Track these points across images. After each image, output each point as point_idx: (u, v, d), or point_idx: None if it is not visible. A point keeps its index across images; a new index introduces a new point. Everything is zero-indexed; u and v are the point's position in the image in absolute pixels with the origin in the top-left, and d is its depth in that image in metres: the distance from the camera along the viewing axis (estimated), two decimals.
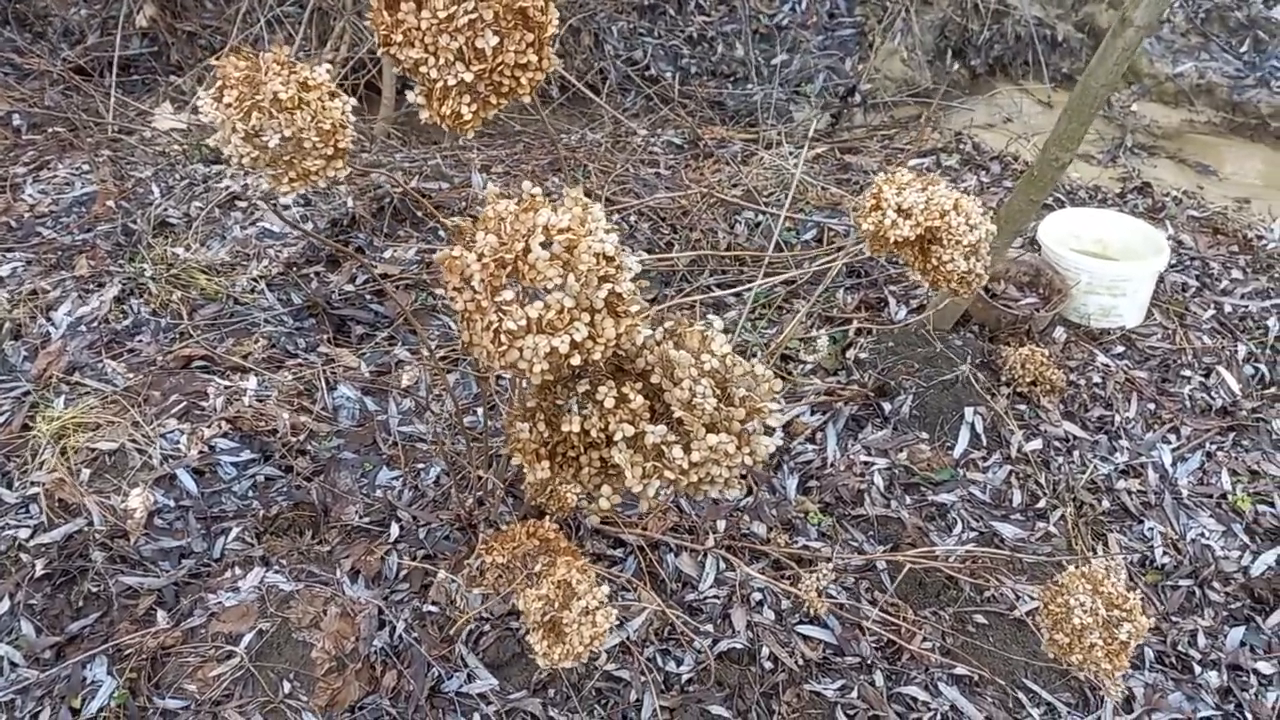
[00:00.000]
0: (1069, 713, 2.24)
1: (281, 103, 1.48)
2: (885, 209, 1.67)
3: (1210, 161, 4.76)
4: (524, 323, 1.18)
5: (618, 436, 1.26)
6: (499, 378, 2.63)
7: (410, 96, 1.40)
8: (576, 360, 1.20)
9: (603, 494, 1.32)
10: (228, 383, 2.80)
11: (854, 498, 2.56)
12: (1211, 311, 3.27)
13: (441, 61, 1.32)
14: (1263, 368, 3.06)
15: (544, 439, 1.31)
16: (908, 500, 2.57)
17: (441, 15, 1.29)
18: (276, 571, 2.36)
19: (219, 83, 1.50)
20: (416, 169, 3.68)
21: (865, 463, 2.63)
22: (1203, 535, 2.61)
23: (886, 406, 2.76)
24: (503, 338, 1.18)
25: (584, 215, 1.24)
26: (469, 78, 1.32)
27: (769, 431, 1.31)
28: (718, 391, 1.30)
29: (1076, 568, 2.15)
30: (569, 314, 1.20)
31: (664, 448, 1.26)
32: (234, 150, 1.51)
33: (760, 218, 3.51)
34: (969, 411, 2.73)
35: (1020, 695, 2.26)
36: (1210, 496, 2.69)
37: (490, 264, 1.19)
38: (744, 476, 1.33)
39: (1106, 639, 1.84)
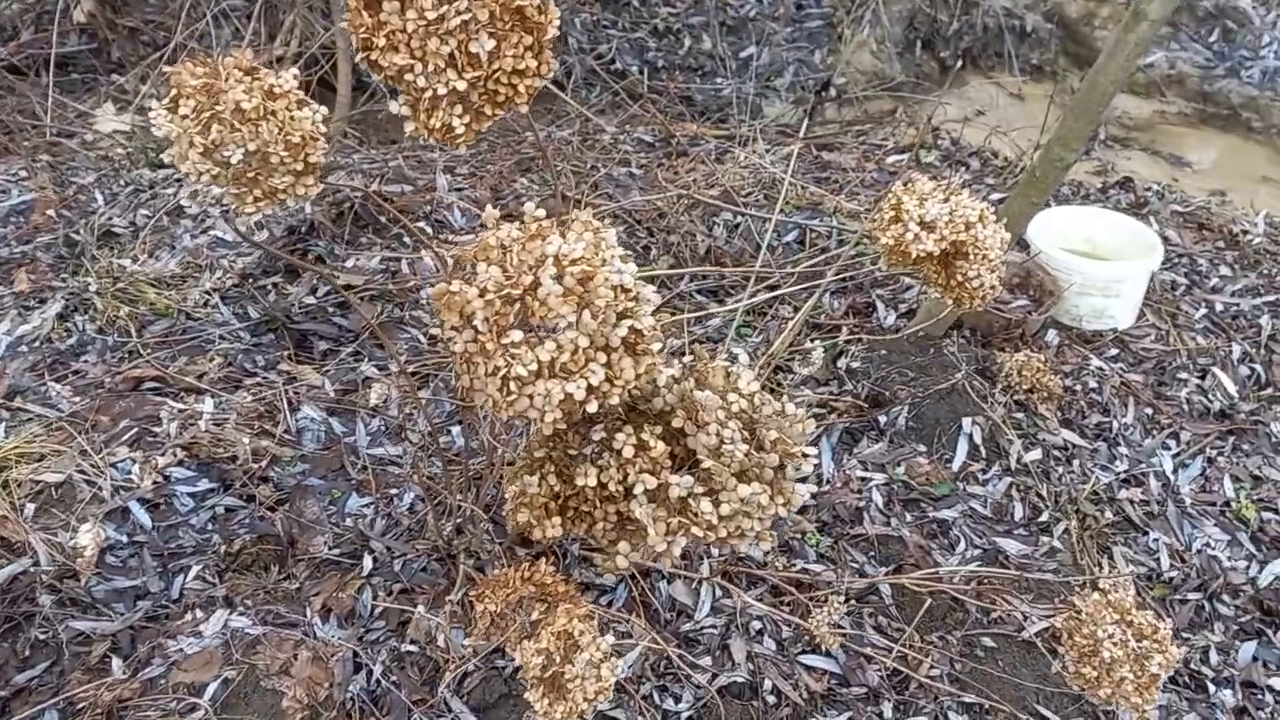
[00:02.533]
0: None
1: (244, 113, 1.32)
2: (906, 222, 1.55)
3: (1183, 152, 4.71)
4: (534, 367, 1.04)
5: (638, 489, 1.13)
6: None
7: (394, 107, 1.25)
8: (593, 407, 1.07)
9: (620, 550, 1.19)
10: (181, 405, 2.61)
11: (852, 516, 2.44)
12: (1203, 310, 3.19)
13: (430, 68, 1.17)
14: (1258, 368, 2.99)
15: (554, 493, 1.17)
16: (908, 517, 2.46)
17: (430, 16, 1.14)
18: (241, 613, 2.19)
19: (173, 91, 1.34)
20: (377, 171, 3.51)
21: (862, 478, 2.52)
22: (1209, 545, 2.52)
23: (881, 418, 2.64)
24: (511, 385, 1.04)
25: (598, 242, 1.10)
26: (461, 86, 1.17)
27: (804, 478, 1.18)
28: (746, 435, 1.17)
29: (1093, 588, 2.05)
30: (584, 355, 1.06)
31: (690, 501, 1.13)
32: (191, 167, 1.36)
33: (739, 219, 3.38)
34: (966, 422, 2.62)
35: None
36: (1214, 504, 2.61)
37: (495, 300, 1.04)
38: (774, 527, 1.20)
39: (1137, 672, 1.74)
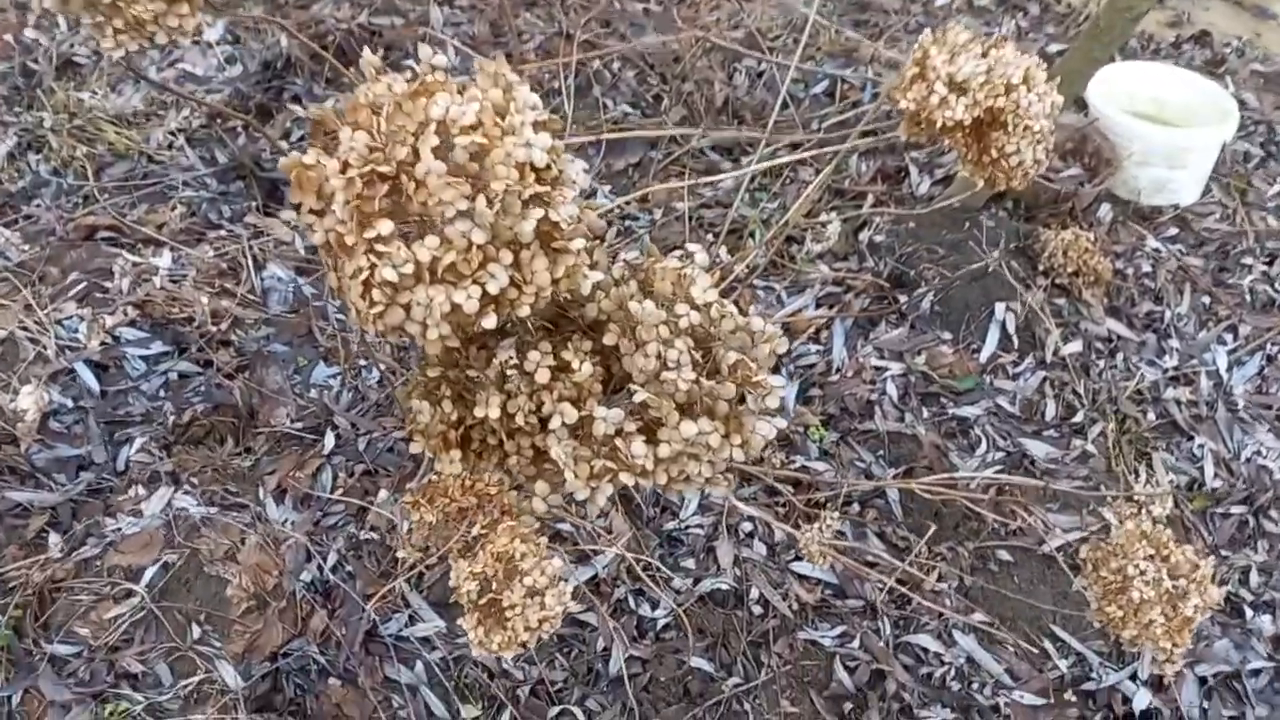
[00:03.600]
0: (1101, 664, 1.95)
1: None
2: (932, 81, 1.25)
3: (1269, 3, 4.22)
4: (410, 269, 0.79)
5: (555, 423, 0.89)
6: None
7: None
8: (491, 322, 0.82)
9: (537, 490, 0.96)
10: (137, 259, 2.40)
11: (863, 409, 2.21)
12: (1278, 187, 2.85)
13: None
14: None
15: (453, 420, 0.94)
16: (925, 414, 2.22)
17: None
18: (187, 492, 2.02)
19: None
20: (366, 1, 3.17)
21: (877, 367, 2.27)
22: (1259, 454, 2.27)
23: (904, 300, 2.37)
24: (376, 293, 0.79)
25: (504, 103, 0.83)
26: None
27: (770, 412, 0.94)
28: (698, 356, 0.92)
29: (1127, 499, 1.83)
30: (480, 253, 0.80)
31: (620, 440, 0.89)
32: None
33: (763, 66, 3.04)
34: (999, 307, 2.35)
35: (1047, 644, 1.97)
36: (1269, 408, 2.35)
37: (358, 180, 0.79)
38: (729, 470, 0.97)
39: (1169, 614, 1.52)
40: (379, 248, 0.79)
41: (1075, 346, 2.35)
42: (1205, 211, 2.73)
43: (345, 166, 0.80)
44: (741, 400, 0.92)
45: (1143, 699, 1.90)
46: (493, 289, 0.81)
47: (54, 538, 1.98)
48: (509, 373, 0.91)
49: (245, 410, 2.20)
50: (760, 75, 3.02)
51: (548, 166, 0.83)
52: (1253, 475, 2.23)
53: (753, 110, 2.91)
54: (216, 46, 2.91)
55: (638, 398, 0.87)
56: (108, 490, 2.06)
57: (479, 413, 0.90)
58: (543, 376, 0.89)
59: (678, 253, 0.98)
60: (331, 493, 2.06)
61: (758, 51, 3.03)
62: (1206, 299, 2.52)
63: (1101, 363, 2.35)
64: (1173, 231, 2.67)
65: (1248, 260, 2.63)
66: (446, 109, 0.80)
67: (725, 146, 2.77)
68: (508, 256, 0.82)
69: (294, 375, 2.28)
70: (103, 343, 2.24)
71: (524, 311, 0.85)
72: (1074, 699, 1.91)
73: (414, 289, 0.80)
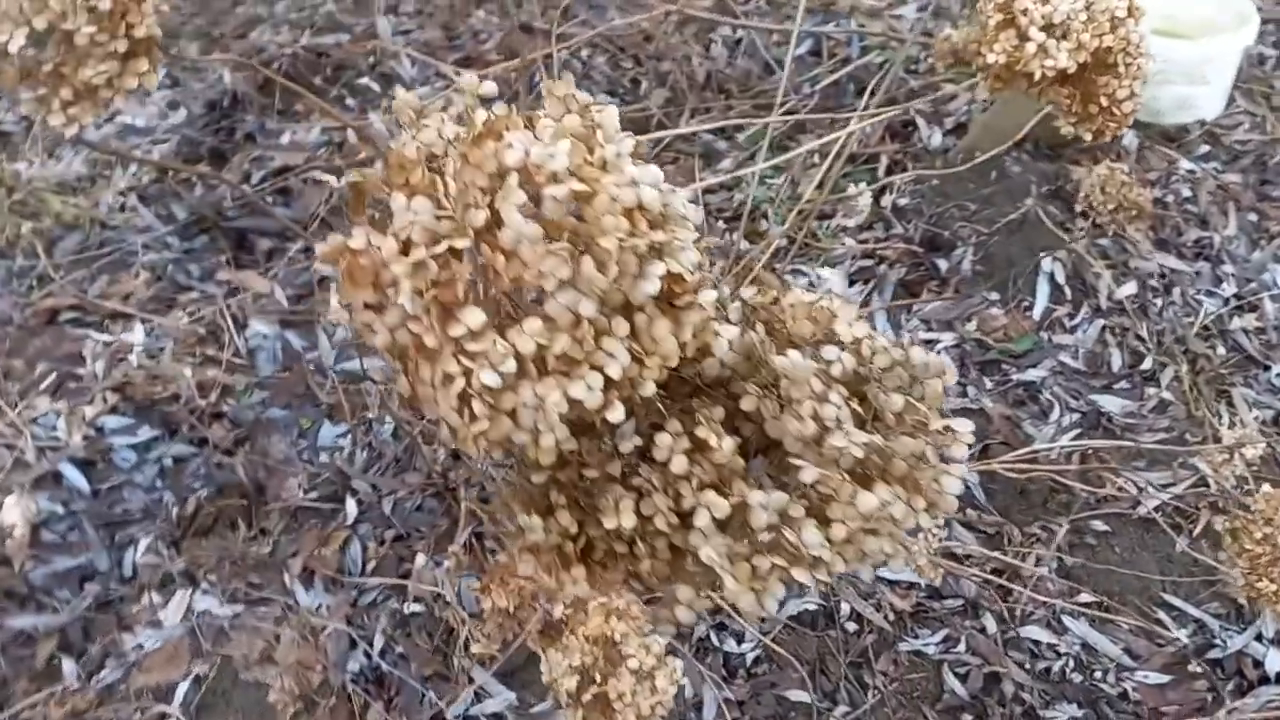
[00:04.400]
0: (1222, 627, 1.80)
1: None
2: (1025, 27, 1.07)
3: None
4: (511, 366, 0.60)
5: (700, 519, 0.71)
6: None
7: None
8: (619, 413, 0.64)
9: (680, 597, 0.78)
10: (108, 337, 2.19)
11: None
12: None
13: None
14: None
15: (571, 534, 0.75)
16: (987, 384, 2.05)
17: None
18: (206, 591, 1.83)
19: None
20: (306, 20, 2.95)
21: (927, 341, 2.10)
22: None
23: (942, 264, 2.20)
24: (476, 405, 0.60)
25: (591, 131, 0.65)
26: None
27: (952, 461, 0.76)
28: (856, 407, 0.74)
29: (1214, 446, 1.68)
30: (592, 330, 0.62)
31: (784, 528, 0.71)
32: None
33: (740, 33, 2.85)
34: (1045, 259, 2.19)
35: (1161, 614, 1.81)
36: None
37: (430, 260, 0.60)
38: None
39: None
40: (470, 346, 0.60)
41: (1129, 288, 2.20)
42: (1233, 123, 2.58)
43: (407, 246, 0.61)
44: (920, 454, 0.75)
45: (1275, 660, 1.75)
46: (614, 372, 0.63)
47: (68, 664, 1.78)
48: (634, 465, 0.72)
49: (252, 487, 2.00)
50: (739, 43, 2.84)
51: (653, 207, 0.65)
52: None
53: (737, 81, 2.73)
54: (155, 93, 2.69)
55: (806, 476, 0.69)
56: (118, 601, 1.86)
57: (609, 524, 0.71)
58: (679, 465, 0.71)
59: (801, 280, 0.80)
60: (364, 567, 1.88)
61: (731, 18, 2.84)
62: (1253, 216, 2.37)
63: (1159, 301, 2.20)
64: (1204, 149, 2.52)
65: None
66: (526, 152, 0.61)
67: (716, 125, 2.58)
68: (624, 326, 0.64)
69: (299, 440, 2.08)
70: (85, 436, 2.03)
71: (649, 390, 0.66)
72: (1200, 669, 1.77)
73: (520, 388, 0.62)
